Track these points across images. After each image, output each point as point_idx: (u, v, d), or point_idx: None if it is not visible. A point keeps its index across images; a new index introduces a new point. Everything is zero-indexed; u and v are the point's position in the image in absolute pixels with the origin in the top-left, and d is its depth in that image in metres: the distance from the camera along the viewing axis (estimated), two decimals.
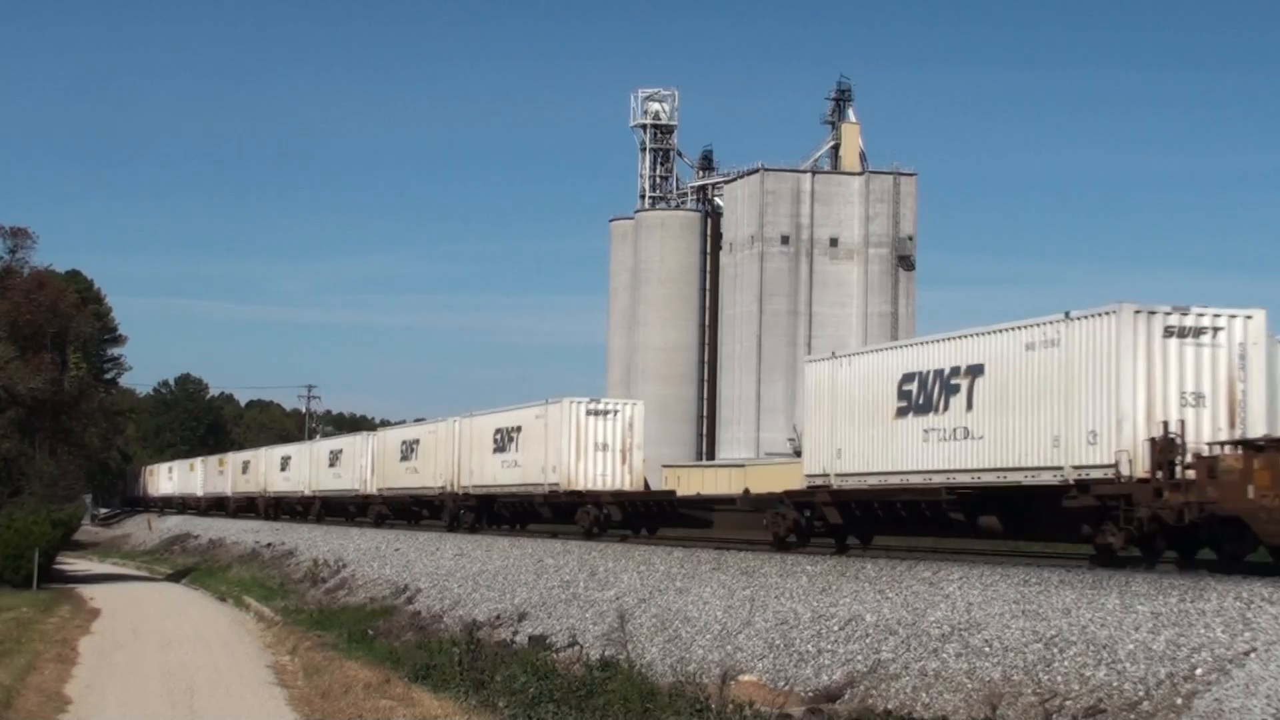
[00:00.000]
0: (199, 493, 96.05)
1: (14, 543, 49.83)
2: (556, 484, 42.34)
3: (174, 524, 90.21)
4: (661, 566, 30.22)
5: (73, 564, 66.44)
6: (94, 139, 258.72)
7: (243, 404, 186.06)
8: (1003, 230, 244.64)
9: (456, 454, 50.35)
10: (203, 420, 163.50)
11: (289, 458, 75.10)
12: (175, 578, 61.84)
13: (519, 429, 45.62)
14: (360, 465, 61.36)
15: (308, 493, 69.57)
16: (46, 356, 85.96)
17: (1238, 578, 20.23)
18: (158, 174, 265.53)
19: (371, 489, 60.15)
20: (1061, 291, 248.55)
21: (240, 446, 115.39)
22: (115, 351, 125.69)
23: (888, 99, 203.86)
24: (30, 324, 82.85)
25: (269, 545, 60.99)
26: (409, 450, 55.82)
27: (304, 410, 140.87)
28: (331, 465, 65.85)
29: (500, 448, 47.05)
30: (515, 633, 29.85)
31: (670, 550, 32.71)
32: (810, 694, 20.91)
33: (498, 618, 32.07)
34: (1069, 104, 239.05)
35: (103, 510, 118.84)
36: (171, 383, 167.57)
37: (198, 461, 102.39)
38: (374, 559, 46.15)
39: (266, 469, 78.94)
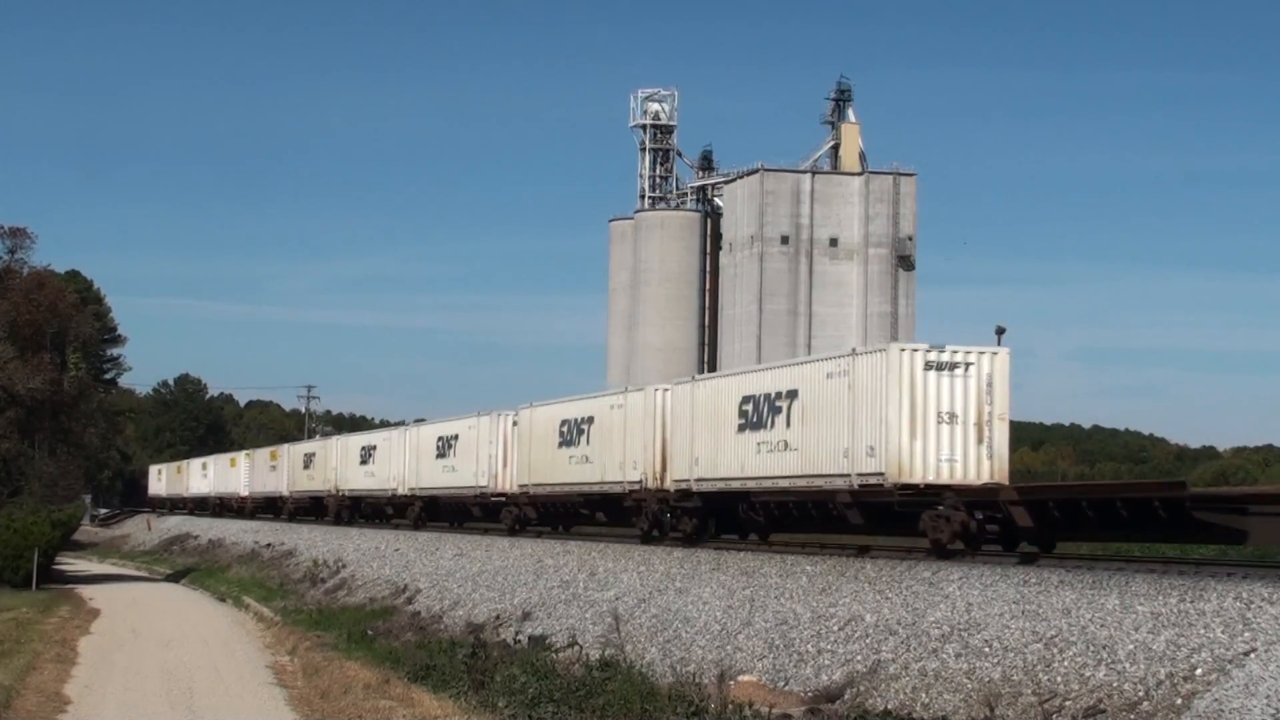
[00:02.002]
0: (243, 492, 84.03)
1: (13, 543, 49.85)
2: (880, 474, 27.43)
3: (173, 524, 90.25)
4: (661, 567, 30.23)
5: (72, 564, 66.49)
6: (93, 139, 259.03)
7: (242, 404, 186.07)
8: (1003, 230, 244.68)
9: (661, 435, 35.96)
10: (202, 420, 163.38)
11: (373, 448, 61.19)
12: (175, 578, 61.87)
13: (793, 394, 30.21)
14: (487, 455, 47.39)
15: (403, 490, 56.20)
16: (46, 356, 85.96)
17: (1238, 578, 20.25)
18: (158, 174, 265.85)
19: (507, 485, 46.24)
20: (1062, 292, 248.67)
21: (240, 447, 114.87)
22: (115, 351, 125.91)
23: (887, 99, 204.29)
24: (30, 324, 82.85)
25: (268, 545, 61.03)
26: (573, 433, 41.18)
27: (304, 410, 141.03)
28: (442, 456, 52.13)
29: (758, 422, 31.55)
30: (517, 633, 29.85)
31: (670, 550, 32.72)
32: (810, 694, 20.91)
33: (497, 618, 32.08)
34: (1069, 104, 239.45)
35: (102, 510, 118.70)
36: (171, 383, 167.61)
37: (240, 456, 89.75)
38: (373, 559, 46.16)
39: (341, 462, 65.18)
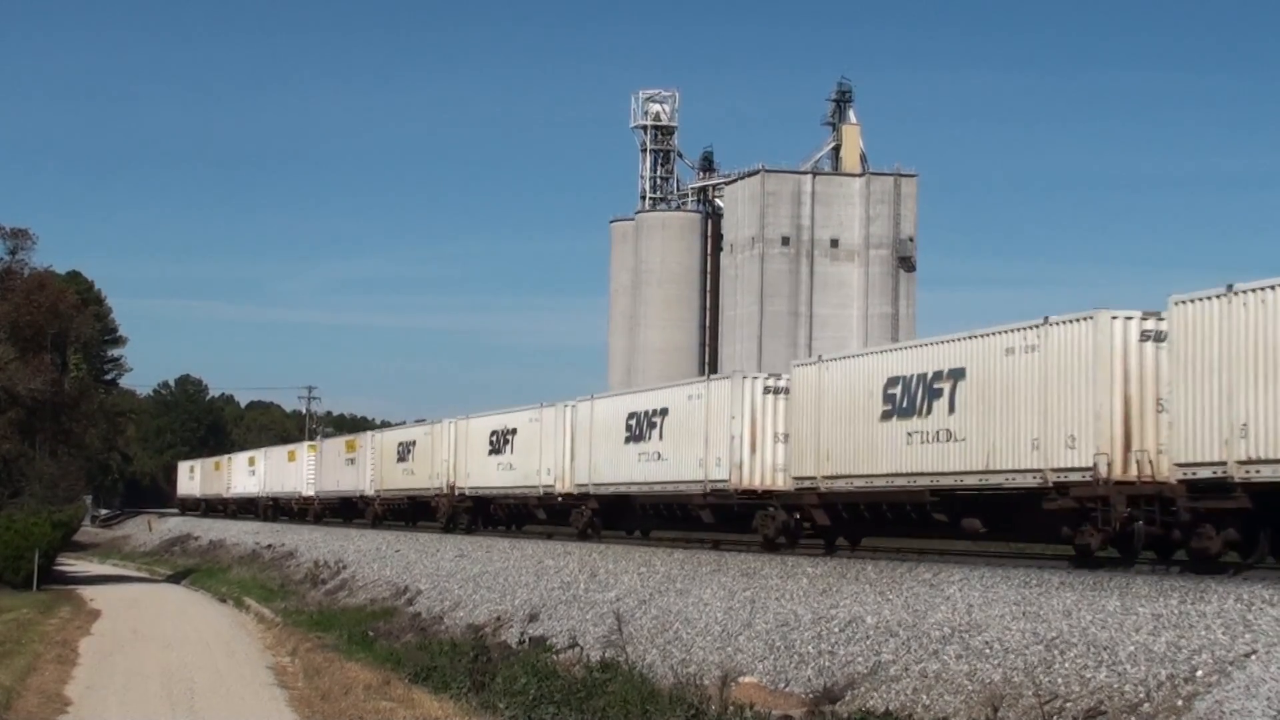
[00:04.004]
0: (306, 491, 71.24)
1: (14, 544, 49.89)
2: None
3: (174, 525, 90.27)
4: (662, 568, 30.24)
5: (73, 565, 66.55)
6: (94, 140, 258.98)
7: (243, 405, 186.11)
8: (1003, 231, 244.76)
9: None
10: (203, 421, 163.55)
11: (511, 432, 46.19)
12: (175, 579, 61.91)
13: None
14: (727, 437, 33.11)
15: (565, 487, 42.03)
16: (47, 357, 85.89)
17: (1238, 580, 20.24)
18: (158, 175, 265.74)
19: (755, 479, 32.66)
20: (1062, 292, 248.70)
21: (241, 448, 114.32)
22: (115, 352, 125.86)
23: (888, 100, 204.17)
24: (30, 325, 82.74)
25: (269, 546, 61.03)
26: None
27: (304, 411, 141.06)
28: (640, 439, 37.57)
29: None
30: (520, 635, 29.85)
31: (670, 551, 32.75)
32: (810, 696, 20.91)
33: (498, 619, 32.08)
34: (1069, 105, 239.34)
35: (103, 511, 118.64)
36: (171, 384, 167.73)
37: (301, 448, 75.56)
38: (374, 560, 46.17)
39: (457, 452, 50.63)
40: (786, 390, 31.99)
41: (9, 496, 74.59)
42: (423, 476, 53.06)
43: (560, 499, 41.91)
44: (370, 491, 60.02)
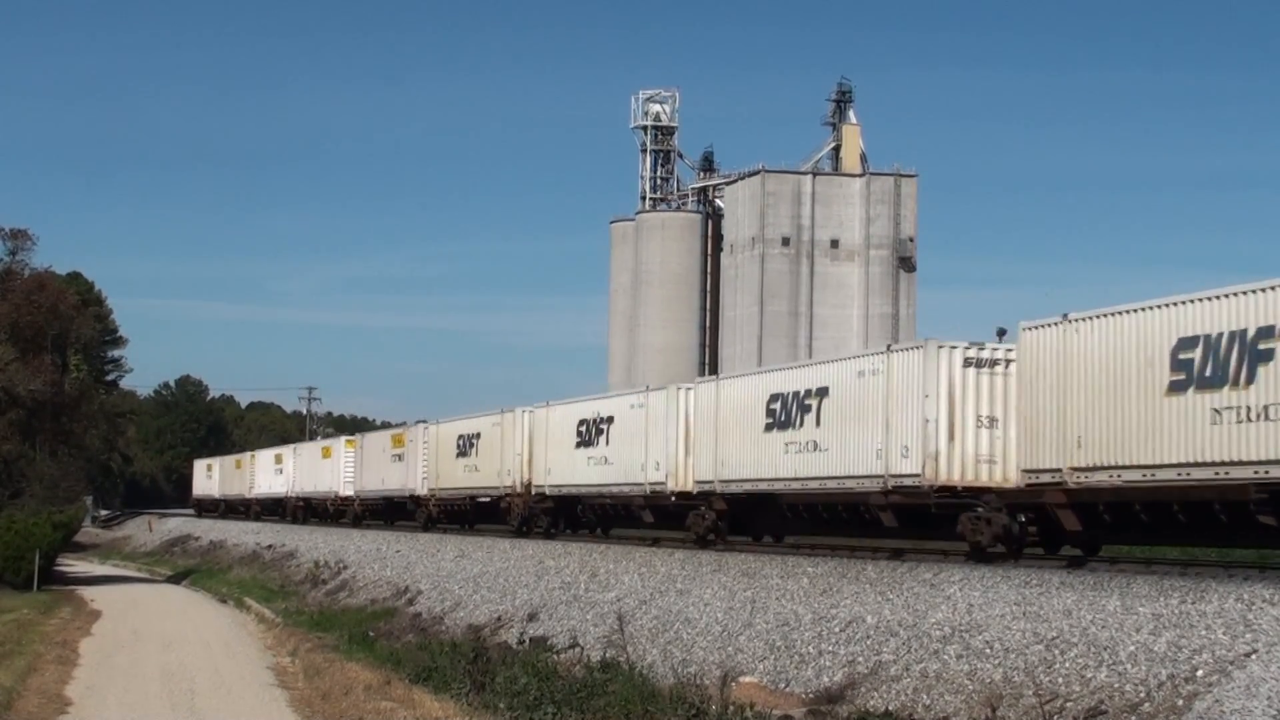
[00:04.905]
0: (344, 490, 64.49)
1: (15, 544, 49.92)
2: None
3: (174, 526, 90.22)
4: (663, 568, 30.24)
5: (73, 566, 66.56)
6: (94, 140, 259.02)
7: (243, 406, 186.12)
8: (1003, 231, 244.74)
9: None
10: (203, 422, 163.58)
11: (605, 421, 39.42)
12: (176, 579, 61.91)
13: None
14: (918, 420, 27.20)
15: (681, 485, 35.42)
16: (47, 358, 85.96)
17: (1239, 579, 20.24)
18: (158, 175, 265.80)
19: (955, 474, 26.88)
20: (1062, 292, 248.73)
21: (241, 448, 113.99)
22: (116, 353, 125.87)
23: (888, 100, 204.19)
24: (31, 326, 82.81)
25: (269, 547, 61.01)
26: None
27: (305, 412, 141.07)
28: (787, 426, 31.19)
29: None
30: (521, 635, 29.86)
31: (671, 552, 32.74)
32: (811, 695, 20.91)
33: (499, 619, 32.08)
34: (1069, 104, 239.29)
35: (103, 512, 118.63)
36: (172, 384, 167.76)
37: (338, 444, 67.51)
38: (374, 560, 46.16)
39: (534, 444, 43.62)
40: (1000, 362, 26.66)
41: (9, 497, 74.66)
42: (489, 473, 46.64)
43: (673, 499, 35.54)
44: (422, 491, 53.36)
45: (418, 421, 57.72)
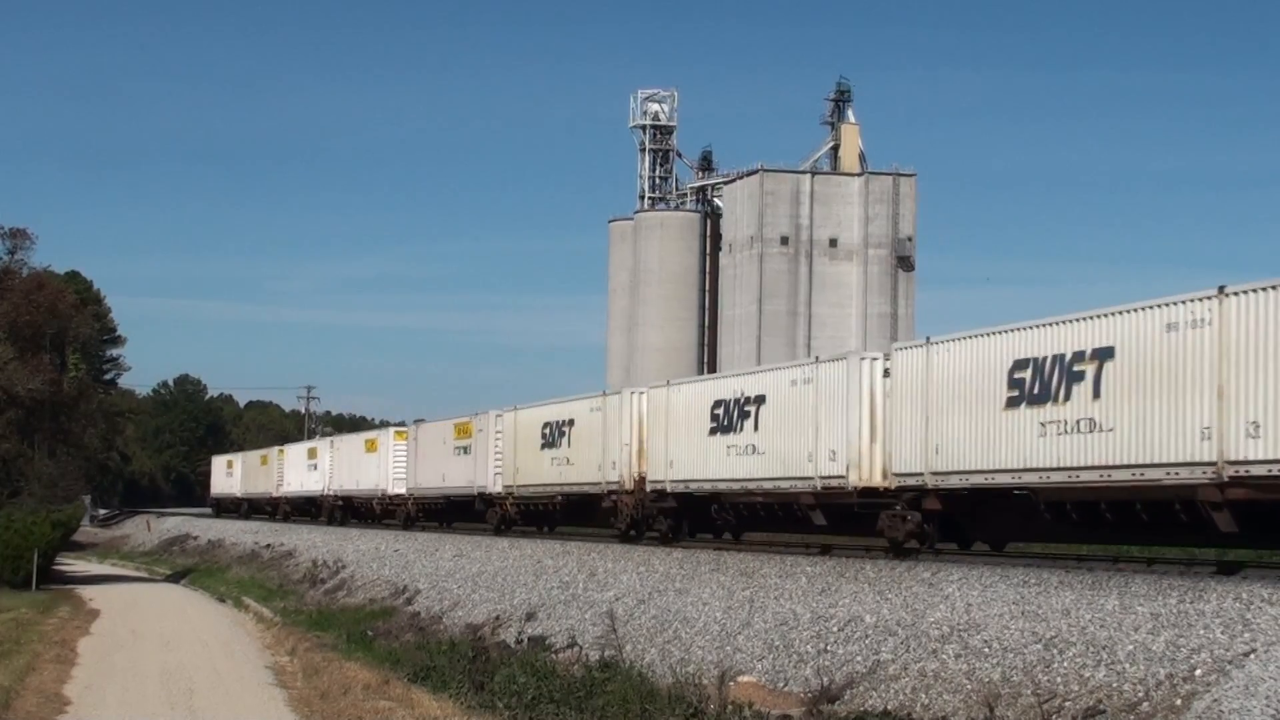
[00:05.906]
0: (391, 488, 57.57)
1: (13, 543, 49.87)
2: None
3: (173, 525, 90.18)
4: (661, 568, 30.24)
5: (72, 565, 66.51)
6: (93, 139, 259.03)
7: (242, 405, 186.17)
8: (1003, 230, 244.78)
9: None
10: (202, 421, 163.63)
11: (752, 402, 32.27)
12: (174, 579, 61.87)
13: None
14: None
15: (869, 479, 28.57)
16: (45, 357, 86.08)
17: (1237, 579, 20.24)
18: (157, 174, 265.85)
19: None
20: (1062, 292, 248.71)
21: (240, 447, 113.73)
22: (114, 352, 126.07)
23: (887, 100, 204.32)
24: (29, 325, 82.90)
25: (268, 546, 60.99)
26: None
27: (303, 411, 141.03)
28: (1041, 400, 24.10)
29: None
30: (519, 634, 29.86)
31: (670, 551, 32.74)
32: (809, 695, 20.90)
33: (497, 619, 32.08)
34: (1069, 104, 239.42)
35: (102, 511, 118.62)
36: (170, 383, 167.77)
37: (385, 435, 60.30)
38: (373, 560, 46.14)
39: (650, 433, 36.80)
40: None
41: (8, 496, 74.68)
42: (587, 468, 39.76)
43: (858, 496, 29.02)
44: (497, 488, 46.31)
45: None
